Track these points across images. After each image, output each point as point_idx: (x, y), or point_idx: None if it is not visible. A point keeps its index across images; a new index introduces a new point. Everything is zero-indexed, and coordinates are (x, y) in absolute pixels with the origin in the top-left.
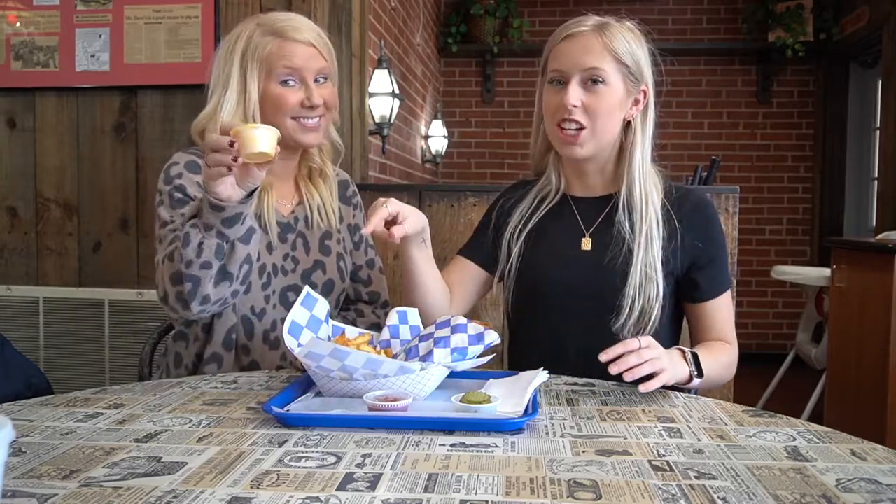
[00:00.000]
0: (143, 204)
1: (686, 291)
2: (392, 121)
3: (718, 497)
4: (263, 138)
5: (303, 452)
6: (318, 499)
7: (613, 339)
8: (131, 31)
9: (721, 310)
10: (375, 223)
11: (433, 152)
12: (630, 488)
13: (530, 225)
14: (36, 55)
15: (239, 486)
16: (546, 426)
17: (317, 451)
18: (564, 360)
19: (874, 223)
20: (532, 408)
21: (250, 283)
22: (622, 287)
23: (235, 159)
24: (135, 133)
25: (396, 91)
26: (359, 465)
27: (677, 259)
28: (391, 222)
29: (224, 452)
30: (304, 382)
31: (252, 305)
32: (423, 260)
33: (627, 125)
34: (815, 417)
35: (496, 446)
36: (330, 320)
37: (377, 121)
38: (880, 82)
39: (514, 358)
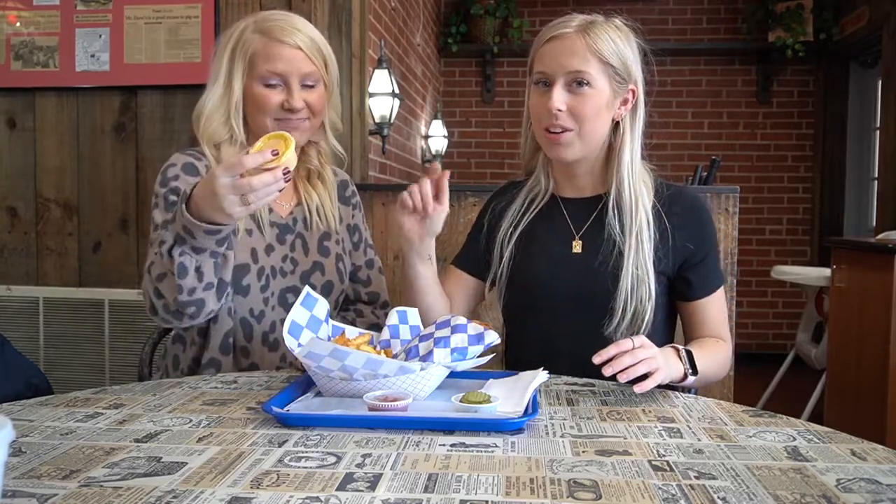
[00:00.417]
0: (143, 204)
1: (678, 290)
2: (392, 121)
3: (718, 497)
4: (294, 152)
5: (303, 452)
6: (318, 499)
7: (606, 342)
8: (131, 31)
9: (714, 307)
10: (430, 200)
11: (433, 152)
12: (630, 488)
13: (521, 228)
14: (36, 55)
15: (239, 486)
16: (546, 426)
17: (317, 451)
18: (557, 363)
19: (874, 223)
20: (532, 408)
21: (249, 286)
22: (614, 290)
23: (287, 180)
24: (135, 133)
25: (396, 91)
26: (359, 465)
27: (669, 258)
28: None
29: (224, 452)
30: (304, 382)
31: (251, 308)
32: (428, 275)
33: (616, 125)
34: (815, 417)
35: (496, 446)
36: (330, 320)
37: (377, 121)
38: (880, 82)
39: (507, 361)
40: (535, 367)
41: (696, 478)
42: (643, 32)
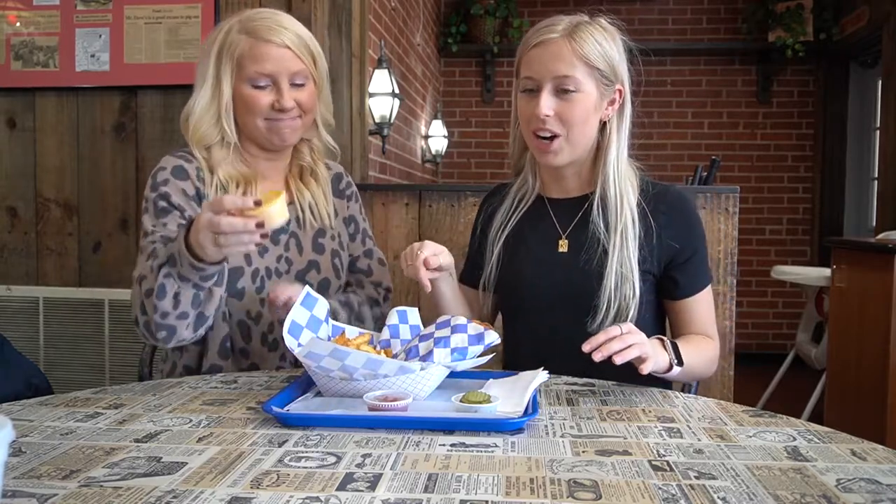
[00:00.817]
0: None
1: (665, 289)
2: (392, 121)
3: (718, 497)
4: (283, 210)
5: (303, 452)
6: (318, 499)
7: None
8: (131, 31)
9: (701, 306)
10: (423, 270)
11: (433, 152)
12: (630, 488)
13: (508, 229)
14: (36, 55)
15: (239, 486)
16: (546, 426)
17: (317, 451)
18: (547, 362)
19: (874, 223)
20: (532, 408)
21: (244, 289)
22: (598, 288)
23: (264, 235)
24: (135, 133)
25: (396, 91)
26: (359, 465)
27: (654, 257)
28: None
29: (224, 452)
30: (304, 382)
31: (248, 310)
32: (450, 293)
33: (604, 125)
34: (815, 417)
35: (496, 446)
36: (330, 320)
37: (377, 121)
38: (880, 82)
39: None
40: (525, 367)
41: (696, 478)
42: (628, 31)
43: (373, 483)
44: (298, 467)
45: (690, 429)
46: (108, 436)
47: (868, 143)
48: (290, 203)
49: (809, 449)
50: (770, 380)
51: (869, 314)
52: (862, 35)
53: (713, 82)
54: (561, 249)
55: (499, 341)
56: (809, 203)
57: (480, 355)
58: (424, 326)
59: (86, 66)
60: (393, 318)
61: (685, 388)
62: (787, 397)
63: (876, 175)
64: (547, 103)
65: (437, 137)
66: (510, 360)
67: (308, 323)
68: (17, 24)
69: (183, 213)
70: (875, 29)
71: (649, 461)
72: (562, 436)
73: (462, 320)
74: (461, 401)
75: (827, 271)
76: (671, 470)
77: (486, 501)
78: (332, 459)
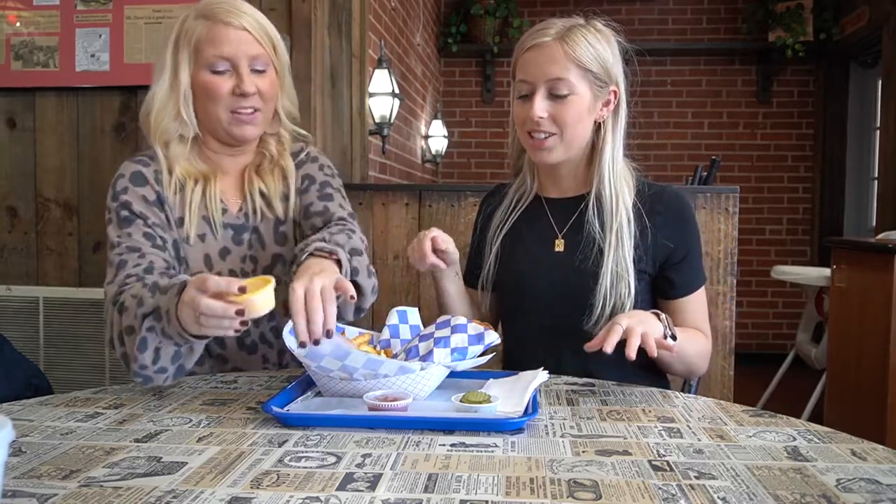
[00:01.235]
0: None
1: (660, 288)
2: (392, 121)
3: (718, 497)
4: (268, 299)
5: (303, 452)
6: (318, 499)
7: (586, 338)
8: (131, 31)
9: (695, 305)
10: (430, 254)
11: (433, 152)
12: (630, 488)
13: (506, 229)
14: (36, 55)
15: (239, 486)
16: (546, 426)
17: (317, 451)
18: (546, 361)
19: (874, 223)
20: (532, 408)
21: None
22: (594, 286)
23: (244, 322)
24: (135, 133)
25: (396, 91)
26: (359, 465)
27: (649, 256)
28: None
29: (224, 452)
30: (304, 382)
31: None
32: (456, 292)
33: (599, 126)
34: (815, 417)
35: (496, 446)
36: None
37: (377, 121)
38: (880, 82)
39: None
40: (524, 365)
41: (696, 478)
42: (628, 32)
43: (373, 483)
44: (298, 467)
45: (690, 429)
46: (108, 436)
47: (868, 143)
48: (244, 200)
49: (809, 449)
50: (770, 380)
51: (869, 314)
52: (862, 35)
53: (713, 82)
54: (557, 249)
55: (499, 341)
56: (809, 203)
57: (480, 355)
58: (425, 326)
59: (86, 66)
60: (393, 318)
61: (685, 387)
62: (787, 397)
63: (876, 175)
64: (540, 105)
65: (437, 137)
66: (509, 358)
67: None
68: (17, 24)
69: (146, 221)
70: (875, 29)
71: (649, 461)
72: (562, 436)
73: (462, 320)
74: (461, 401)
75: (827, 271)
76: (671, 470)
77: (486, 501)
78: (332, 459)
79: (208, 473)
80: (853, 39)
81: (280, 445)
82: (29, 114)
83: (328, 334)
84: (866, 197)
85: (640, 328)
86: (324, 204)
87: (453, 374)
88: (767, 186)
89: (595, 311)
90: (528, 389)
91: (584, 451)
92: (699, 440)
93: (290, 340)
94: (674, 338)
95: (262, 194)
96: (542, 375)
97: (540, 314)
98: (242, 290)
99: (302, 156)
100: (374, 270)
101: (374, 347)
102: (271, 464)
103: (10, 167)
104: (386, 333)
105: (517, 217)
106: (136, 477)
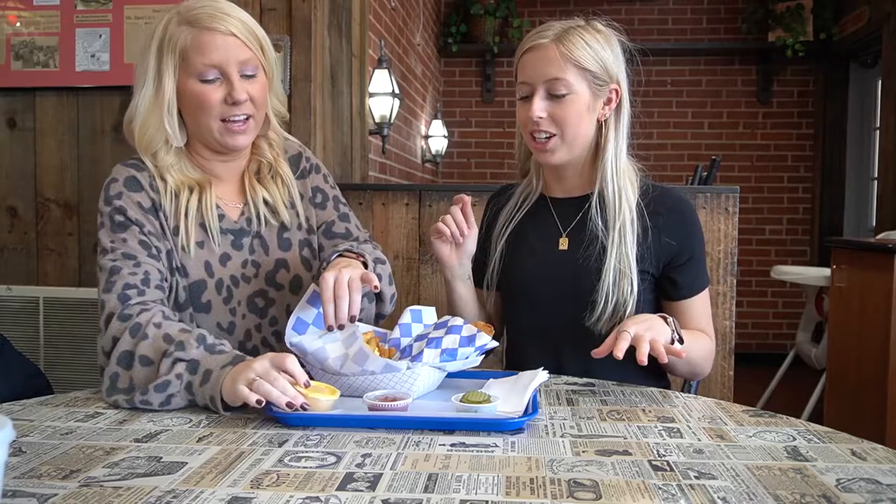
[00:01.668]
0: None
1: (664, 289)
2: (392, 121)
3: (718, 497)
4: (329, 408)
5: (303, 452)
6: (318, 499)
7: (593, 336)
8: (131, 31)
9: (699, 307)
10: (458, 216)
11: (433, 152)
12: (630, 488)
13: (511, 227)
14: (36, 55)
15: (239, 486)
16: (546, 426)
17: (317, 451)
18: (548, 359)
19: (874, 223)
20: (532, 408)
21: (210, 302)
22: (596, 283)
23: (290, 405)
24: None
25: (396, 91)
26: (359, 465)
27: (652, 256)
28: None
29: (224, 452)
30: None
31: (217, 322)
32: (467, 294)
33: (601, 125)
34: (815, 417)
35: (496, 446)
36: None
37: (377, 121)
38: (880, 82)
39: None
40: (526, 363)
41: (696, 478)
42: (628, 32)
43: (373, 483)
44: (298, 467)
45: (690, 429)
46: (108, 436)
47: (868, 143)
48: (247, 203)
49: (809, 449)
50: (770, 380)
51: (869, 314)
52: (862, 35)
53: (713, 82)
54: (561, 247)
55: (494, 344)
56: (809, 203)
57: (476, 356)
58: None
59: (86, 66)
60: (406, 317)
61: (685, 387)
62: (787, 397)
63: (876, 175)
64: (539, 106)
65: (437, 137)
66: (511, 356)
67: (315, 320)
68: (18, 24)
69: (142, 229)
70: (875, 29)
71: (649, 461)
72: (562, 436)
73: (458, 321)
74: (461, 401)
75: (827, 271)
76: (671, 470)
77: (486, 501)
78: (332, 459)
79: (208, 473)
80: (853, 39)
81: (280, 445)
82: (29, 114)
83: (352, 319)
84: (866, 197)
85: (648, 334)
86: (345, 226)
87: (453, 374)
88: (767, 186)
89: (597, 307)
90: (528, 389)
91: (584, 451)
92: (699, 440)
93: (290, 335)
94: (681, 341)
95: (265, 202)
96: (542, 375)
97: (543, 312)
98: (307, 384)
99: (304, 164)
100: (394, 281)
101: (383, 345)
102: (271, 464)
103: (10, 167)
104: (396, 332)
105: (522, 216)
106: (136, 477)
